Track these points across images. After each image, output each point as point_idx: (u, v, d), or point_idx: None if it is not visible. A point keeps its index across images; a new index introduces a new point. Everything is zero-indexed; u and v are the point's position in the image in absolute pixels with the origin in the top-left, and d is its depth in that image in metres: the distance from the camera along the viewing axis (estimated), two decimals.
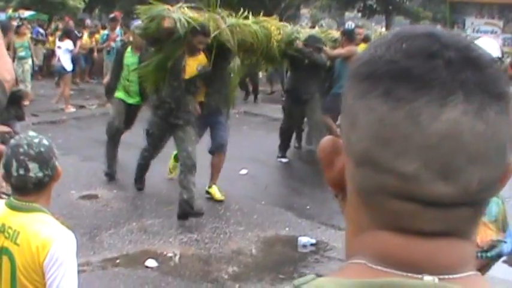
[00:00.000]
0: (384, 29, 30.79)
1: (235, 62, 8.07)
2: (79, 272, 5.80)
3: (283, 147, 10.36)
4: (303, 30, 10.08)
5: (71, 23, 20.74)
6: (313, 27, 13.30)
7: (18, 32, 15.09)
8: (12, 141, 2.90)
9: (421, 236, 0.78)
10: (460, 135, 0.74)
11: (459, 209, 0.77)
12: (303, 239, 6.76)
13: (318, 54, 9.32)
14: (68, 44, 15.45)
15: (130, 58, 8.62)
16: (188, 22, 7.05)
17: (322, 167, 0.87)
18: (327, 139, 0.87)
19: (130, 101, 8.83)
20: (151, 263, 6.09)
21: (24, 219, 2.78)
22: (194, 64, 7.21)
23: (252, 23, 7.83)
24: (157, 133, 7.67)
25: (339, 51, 9.71)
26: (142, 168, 8.18)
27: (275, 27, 8.35)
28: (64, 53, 15.22)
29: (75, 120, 13.34)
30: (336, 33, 11.08)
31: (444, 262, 0.78)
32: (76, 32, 18.53)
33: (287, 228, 7.21)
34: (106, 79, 9.61)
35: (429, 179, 0.75)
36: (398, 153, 0.76)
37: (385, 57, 0.79)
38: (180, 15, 7.11)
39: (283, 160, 10.25)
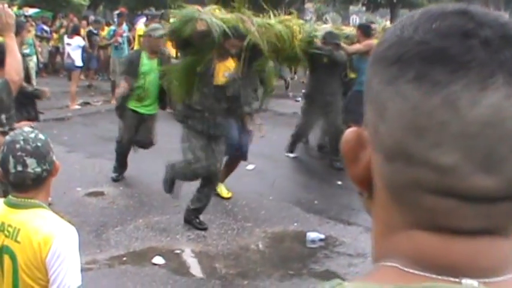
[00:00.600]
0: (388, 22, 30.72)
1: (269, 64, 7.69)
2: (85, 270, 5.79)
3: (293, 144, 10.26)
4: (318, 27, 9.83)
5: (75, 20, 20.70)
6: (318, 21, 13.18)
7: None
8: (7, 137, 2.84)
9: (459, 235, 0.71)
10: (503, 122, 0.67)
11: (502, 203, 0.70)
12: (312, 235, 6.69)
13: (337, 51, 9.12)
14: (78, 40, 15.60)
15: (146, 65, 8.19)
16: (221, 24, 6.57)
17: (345, 162, 0.80)
18: (350, 131, 0.80)
19: (143, 110, 8.40)
20: (158, 260, 6.02)
21: (24, 216, 2.72)
22: (223, 69, 6.72)
23: (276, 23, 7.53)
24: (196, 143, 6.77)
25: (357, 46, 9.38)
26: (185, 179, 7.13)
27: (296, 25, 8.03)
28: (74, 49, 15.33)
29: (81, 117, 13.29)
30: (348, 29, 10.87)
31: (485, 264, 0.71)
32: (92, 29, 18.55)
33: (295, 224, 7.14)
34: (120, 90, 8.60)
35: (469, 171, 0.68)
36: (435, 144, 0.69)
37: (414, 38, 0.72)
38: (212, 17, 6.64)
39: (291, 155, 10.17)
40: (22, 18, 18.72)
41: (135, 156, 8.74)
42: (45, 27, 19.88)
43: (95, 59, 18.54)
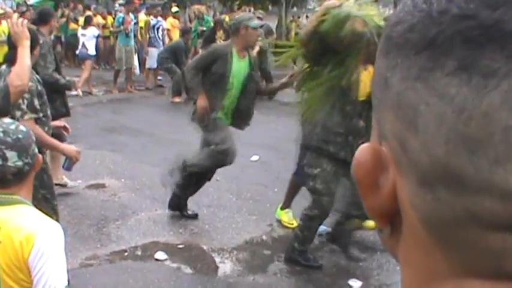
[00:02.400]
0: (392, 11, 30.53)
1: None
2: (85, 266, 5.61)
3: None
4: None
5: (80, 8, 20.61)
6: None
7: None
8: None
9: None
10: None
11: None
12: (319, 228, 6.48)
13: None
14: (92, 30, 15.98)
15: (236, 63, 6.27)
16: (375, 23, 5.02)
17: (360, 190, 0.57)
18: (364, 150, 0.58)
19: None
20: (161, 255, 5.84)
21: (4, 214, 2.52)
22: (368, 79, 5.32)
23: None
24: (330, 172, 5.61)
25: None
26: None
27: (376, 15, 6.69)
28: (89, 39, 15.68)
29: (82, 107, 13.09)
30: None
31: None
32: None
33: None
34: (201, 102, 6.30)
35: None
36: (498, 161, 0.47)
37: (450, 11, 0.50)
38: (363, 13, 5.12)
39: None
40: (24, 8, 18.64)
41: (138, 148, 8.57)
42: None
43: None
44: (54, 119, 6.56)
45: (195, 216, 6.76)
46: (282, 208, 6.80)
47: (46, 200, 4.75)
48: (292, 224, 6.58)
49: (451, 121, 0.48)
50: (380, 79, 0.55)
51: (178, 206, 6.72)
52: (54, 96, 6.75)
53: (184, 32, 15.51)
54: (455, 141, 0.48)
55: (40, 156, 2.72)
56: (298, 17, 23.22)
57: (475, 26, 0.48)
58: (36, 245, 2.43)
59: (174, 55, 14.25)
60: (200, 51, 14.24)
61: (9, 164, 2.56)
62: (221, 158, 6.39)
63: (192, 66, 6.44)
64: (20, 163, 2.58)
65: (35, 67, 5.37)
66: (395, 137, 0.53)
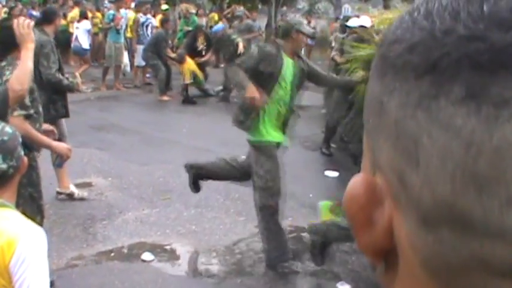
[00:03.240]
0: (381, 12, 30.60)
1: None
2: (71, 266, 5.55)
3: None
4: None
5: (70, 3, 20.47)
6: (310, 10, 13.15)
7: (11, 14, 15.02)
8: None
9: None
10: None
11: None
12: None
13: None
14: (85, 24, 15.90)
15: (287, 70, 5.76)
16: None
17: (352, 226, 0.53)
18: (357, 182, 0.52)
19: (279, 139, 6.04)
20: (147, 256, 5.79)
21: None
22: None
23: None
24: None
25: None
26: None
27: None
28: (83, 33, 15.66)
29: (70, 104, 12.92)
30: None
31: None
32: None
33: (290, 219, 6.90)
34: (252, 91, 5.54)
35: None
36: (511, 202, 0.42)
37: (456, 31, 0.45)
38: None
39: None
40: (12, 3, 18.52)
41: (125, 147, 8.50)
42: (34, 13, 19.56)
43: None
44: (54, 120, 6.50)
45: None
46: None
47: (32, 199, 4.69)
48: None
49: (457, 156, 0.43)
50: (374, 103, 0.51)
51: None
52: (55, 97, 6.68)
53: (163, 22, 15.37)
54: (463, 179, 0.43)
55: (25, 158, 2.66)
56: (287, 16, 23.19)
57: (485, 49, 0.43)
58: (18, 251, 2.36)
59: (155, 47, 14.16)
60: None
61: None
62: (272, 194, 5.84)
63: (237, 64, 5.84)
64: (4, 166, 2.52)
65: (36, 66, 5.36)
66: (392, 170, 0.48)
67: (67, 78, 6.95)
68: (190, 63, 13.61)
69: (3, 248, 2.37)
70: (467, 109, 0.43)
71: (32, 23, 4.41)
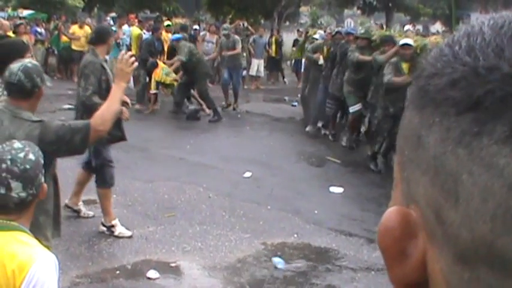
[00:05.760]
0: (384, 26, 30.69)
1: None
2: (76, 284, 5.53)
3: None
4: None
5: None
6: (312, 25, 13.34)
7: (17, 31, 14.99)
8: None
9: None
10: None
11: None
12: (275, 259, 6.20)
13: None
14: None
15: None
16: None
17: (385, 258, 0.52)
18: (392, 214, 0.52)
19: None
20: (153, 274, 5.76)
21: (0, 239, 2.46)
22: None
23: None
24: None
25: None
26: None
27: None
28: None
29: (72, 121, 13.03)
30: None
31: None
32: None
33: (295, 235, 6.88)
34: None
35: None
36: None
37: (500, 69, 0.44)
38: None
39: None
40: (18, 20, 18.62)
41: (129, 163, 8.49)
42: (39, 29, 19.64)
43: None
44: (109, 143, 6.45)
45: None
46: None
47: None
48: None
49: (499, 196, 0.43)
50: (411, 135, 0.50)
51: None
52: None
53: (153, 29, 15.39)
54: (504, 219, 0.43)
55: (45, 185, 2.65)
56: (278, 32, 23.23)
57: None
58: (29, 274, 2.36)
59: (149, 52, 14.07)
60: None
61: (13, 194, 2.51)
62: None
63: None
64: (23, 194, 2.53)
65: None
66: (429, 205, 0.48)
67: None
68: (157, 73, 13.55)
69: (14, 271, 2.36)
70: (510, 149, 0.42)
71: (136, 64, 4.22)
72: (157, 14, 25.23)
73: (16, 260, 2.38)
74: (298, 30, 23.80)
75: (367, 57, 10.07)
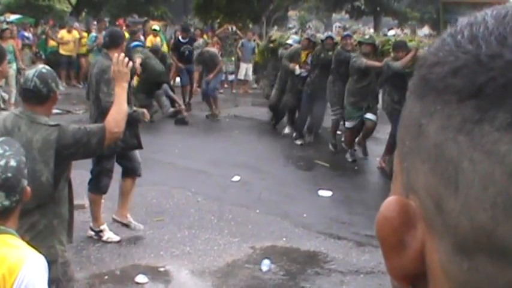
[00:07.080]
0: (372, 30, 30.76)
1: None
2: None
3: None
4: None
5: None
6: (301, 29, 13.21)
7: (2, 36, 14.90)
8: None
9: None
10: None
11: None
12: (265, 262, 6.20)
13: None
14: None
15: None
16: None
17: (382, 248, 0.52)
18: (391, 204, 0.51)
19: None
20: (141, 278, 5.74)
21: None
22: None
23: None
24: None
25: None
26: None
27: None
28: None
29: None
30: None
31: None
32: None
33: (284, 239, 6.88)
34: None
35: None
36: None
37: (503, 56, 0.44)
38: None
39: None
40: (4, 25, 18.53)
41: (118, 168, 8.43)
42: (27, 34, 19.57)
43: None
44: (124, 151, 6.40)
45: None
46: None
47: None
48: None
49: (499, 183, 0.43)
50: (412, 124, 0.50)
51: None
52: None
53: (131, 33, 15.46)
54: (504, 207, 0.43)
55: (28, 188, 2.64)
56: (259, 35, 23.10)
57: None
58: (19, 277, 2.35)
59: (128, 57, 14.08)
60: None
61: None
62: None
63: None
64: (7, 202, 2.51)
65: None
66: (428, 194, 0.48)
67: (130, 107, 6.21)
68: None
69: (4, 275, 2.34)
70: (510, 136, 0.42)
71: (131, 63, 4.32)
72: (146, 18, 25.22)
73: (6, 264, 2.37)
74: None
75: (377, 63, 9.58)
